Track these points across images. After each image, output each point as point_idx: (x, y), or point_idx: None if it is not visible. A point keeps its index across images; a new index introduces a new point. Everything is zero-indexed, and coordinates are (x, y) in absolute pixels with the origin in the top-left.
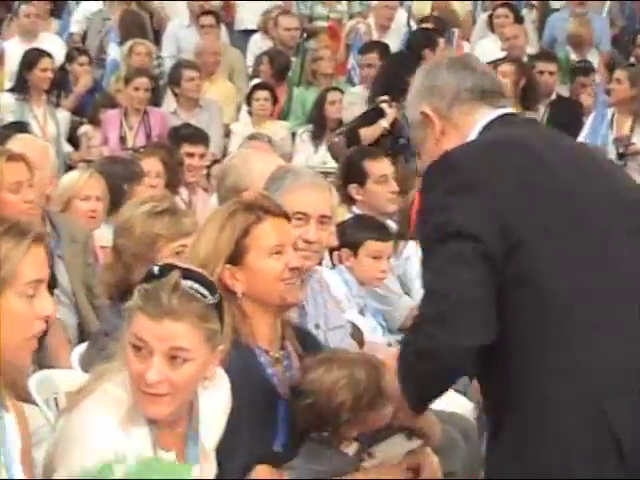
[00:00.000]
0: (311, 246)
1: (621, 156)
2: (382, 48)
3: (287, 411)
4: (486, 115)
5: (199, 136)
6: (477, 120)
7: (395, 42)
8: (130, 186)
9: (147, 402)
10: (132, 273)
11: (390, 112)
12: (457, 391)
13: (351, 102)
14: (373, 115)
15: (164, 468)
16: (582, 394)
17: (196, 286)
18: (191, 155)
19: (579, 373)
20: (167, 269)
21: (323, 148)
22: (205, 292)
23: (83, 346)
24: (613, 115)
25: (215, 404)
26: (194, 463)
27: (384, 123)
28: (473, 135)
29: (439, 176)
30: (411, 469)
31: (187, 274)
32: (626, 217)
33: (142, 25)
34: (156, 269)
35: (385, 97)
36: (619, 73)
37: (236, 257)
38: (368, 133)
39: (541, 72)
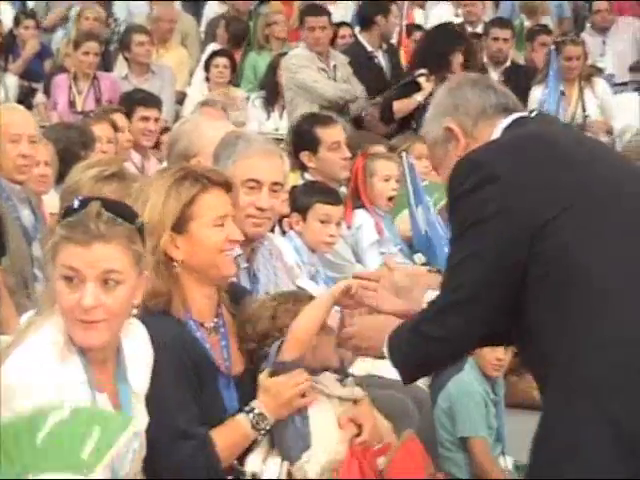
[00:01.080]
0: (263, 213)
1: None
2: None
3: (227, 383)
4: (500, 126)
5: (153, 100)
6: (497, 129)
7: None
8: (85, 152)
9: (83, 331)
10: None
11: (427, 86)
12: None
13: (300, 65)
14: (409, 88)
15: (102, 419)
16: (618, 349)
17: (117, 215)
18: (146, 119)
19: (617, 333)
20: (86, 201)
21: (275, 114)
22: (127, 218)
23: (30, 313)
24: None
25: (137, 351)
26: (127, 404)
27: (419, 97)
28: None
29: (465, 172)
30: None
31: (107, 204)
32: (624, 166)
33: None
34: (75, 203)
35: (423, 70)
36: (578, 50)
37: (179, 225)
38: (402, 106)
39: (495, 39)
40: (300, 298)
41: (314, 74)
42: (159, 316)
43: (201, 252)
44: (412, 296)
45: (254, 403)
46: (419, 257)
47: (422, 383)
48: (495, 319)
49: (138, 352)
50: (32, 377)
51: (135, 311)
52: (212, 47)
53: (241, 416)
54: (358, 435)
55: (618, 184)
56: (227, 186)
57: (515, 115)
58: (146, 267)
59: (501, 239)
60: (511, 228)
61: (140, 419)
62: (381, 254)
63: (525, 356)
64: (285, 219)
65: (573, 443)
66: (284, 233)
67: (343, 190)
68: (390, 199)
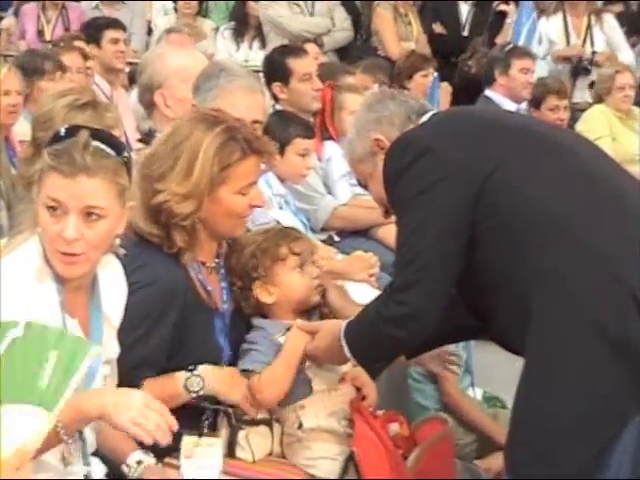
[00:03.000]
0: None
1: (585, 70)
2: None
3: (224, 323)
4: (423, 119)
5: (118, 23)
6: None
7: None
8: (51, 78)
9: (63, 262)
10: None
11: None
12: (380, 290)
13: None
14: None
15: (59, 341)
16: (593, 266)
17: (104, 145)
18: (116, 41)
19: (589, 254)
20: (74, 130)
21: (245, 45)
22: (114, 150)
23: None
24: (565, 18)
25: (113, 283)
26: (98, 331)
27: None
28: None
29: (398, 154)
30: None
31: (95, 134)
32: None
33: None
34: (62, 130)
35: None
36: None
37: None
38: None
39: None
40: (279, 231)
41: (281, 9)
42: (157, 250)
43: (222, 215)
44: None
45: (200, 367)
46: None
47: None
48: (453, 283)
49: (113, 284)
50: (5, 294)
51: (117, 241)
52: None
53: (180, 373)
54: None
55: (546, 136)
56: (264, 154)
57: (430, 112)
58: (131, 198)
59: (445, 205)
60: (453, 192)
61: (111, 347)
62: (351, 186)
63: (489, 312)
64: None
65: (564, 347)
66: None
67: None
68: None
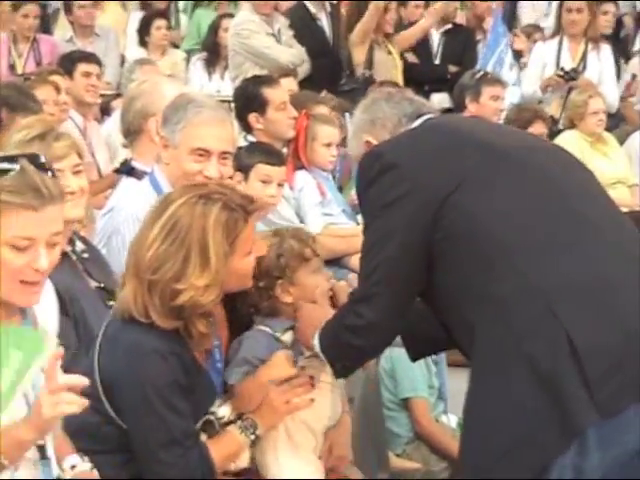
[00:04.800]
0: (211, 181)
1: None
2: None
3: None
4: (415, 124)
5: (93, 57)
6: None
7: None
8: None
9: (25, 292)
10: None
11: None
12: None
13: (252, 30)
14: None
15: (18, 338)
16: (532, 298)
17: (44, 166)
18: (88, 74)
19: (529, 286)
20: (11, 160)
21: (217, 76)
22: (52, 170)
23: None
24: (561, 43)
25: (45, 300)
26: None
27: None
28: None
29: (367, 166)
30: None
31: (30, 159)
32: (527, 138)
33: None
34: (3, 164)
35: None
36: (578, 2)
37: None
38: None
39: None
40: (300, 234)
41: (266, 39)
42: (148, 327)
43: (236, 280)
44: None
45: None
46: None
47: None
48: (413, 298)
49: (45, 299)
50: None
51: None
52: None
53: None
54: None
55: (517, 156)
56: (257, 212)
57: (425, 117)
58: None
59: (406, 220)
60: (413, 209)
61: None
62: (324, 215)
63: (449, 329)
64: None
65: (503, 390)
66: None
67: (285, 151)
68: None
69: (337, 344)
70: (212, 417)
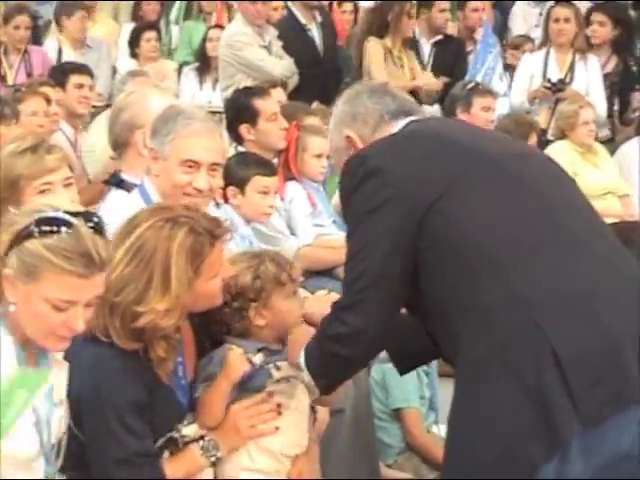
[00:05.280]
0: (201, 193)
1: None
2: None
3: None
4: (399, 124)
5: (85, 68)
6: (392, 132)
7: None
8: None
9: (56, 342)
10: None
11: None
12: None
13: (245, 42)
14: None
15: (22, 378)
16: (516, 309)
17: (98, 227)
18: (80, 86)
19: (513, 297)
20: (67, 221)
21: (208, 86)
22: (101, 231)
23: None
24: (548, 54)
25: None
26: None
27: None
28: None
29: (350, 169)
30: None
31: (86, 218)
32: (514, 146)
33: None
34: (54, 224)
35: None
36: (565, 12)
37: None
38: None
39: (442, 10)
40: (278, 259)
41: (259, 52)
42: (109, 345)
43: (202, 302)
44: None
45: (187, 429)
46: None
47: None
48: (398, 305)
49: None
50: None
51: None
52: (130, 25)
53: (192, 446)
54: None
55: (499, 161)
56: (226, 234)
57: (410, 117)
58: None
59: (391, 227)
60: (398, 216)
61: (63, 388)
62: (315, 226)
63: (437, 338)
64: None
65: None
66: (217, 205)
67: (275, 161)
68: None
69: (322, 356)
70: (176, 434)
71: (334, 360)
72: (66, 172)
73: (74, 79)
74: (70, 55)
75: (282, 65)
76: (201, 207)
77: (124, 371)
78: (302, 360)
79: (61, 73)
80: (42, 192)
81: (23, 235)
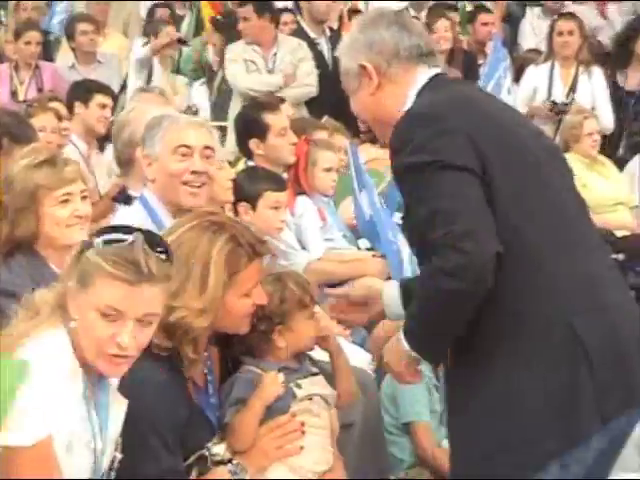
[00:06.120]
0: (199, 177)
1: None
2: (259, 1)
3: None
4: (423, 74)
5: (109, 90)
6: (416, 78)
7: None
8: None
9: (111, 363)
10: (17, 228)
11: None
12: (354, 343)
13: (231, 59)
14: None
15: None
16: (550, 310)
17: (160, 247)
18: (103, 106)
19: (545, 292)
20: (124, 230)
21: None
22: (168, 254)
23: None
24: (552, 67)
25: None
26: (106, 409)
27: None
28: (414, 90)
29: (422, 124)
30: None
31: (148, 238)
32: (543, 141)
33: None
34: (114, 235)
35: None
36: (569, 25)
37: None
38: None
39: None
40: (300, 280)
41: (236, 67)
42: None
43: (229, 319)
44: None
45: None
46: (364, 242)
47: (368, 367)
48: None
49: None
50: (36, 399)
51: None
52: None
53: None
54: None
55: (535, 153)
56: (267, 253)
57: (434, 70)
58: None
59: (475, 181)
60: (478, 174)
61: (119, 427)
62: (325, 240)
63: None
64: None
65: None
66: None
67: (285, 175)
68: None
69: (433, 311)
70: (206, 453)
71: (445, 301)
72: (82, 185)
73: (98, 98)
74: (81, 70)
75: (252, 80)
76: (201, 199)
77: (165, 387)
78: (402, 337)
79: (85, 90)
80: (63, 202)
81: (84, 246)
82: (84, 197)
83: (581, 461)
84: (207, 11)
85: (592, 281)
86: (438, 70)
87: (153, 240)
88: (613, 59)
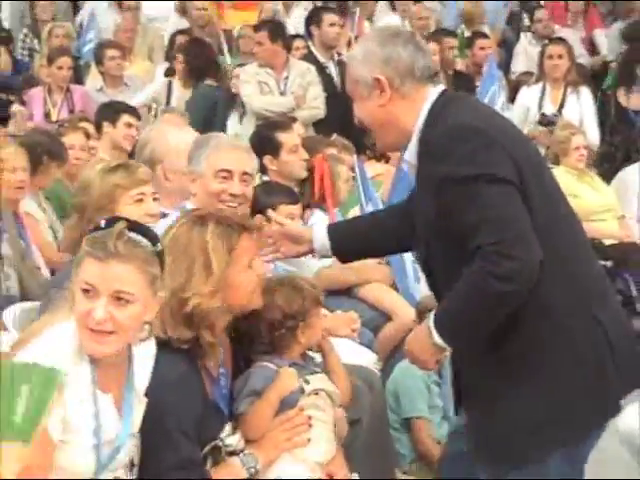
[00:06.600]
0: (235, 199)
1: (547, 124)
2: (273, 27)
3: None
4: (433, 91)
5: (136, 111)
6: (427, 96)
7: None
8: (51, 160)
9: (93, 341)
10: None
11: None
12: (361, 344)
13: (244, 80)
14: None
15: (28, 375)
16: (576, 300)
17: (139, 236)
18: (130, 125)
19: (570, 281)
20: (113, 221)
21: (235, 119)
22: (147, 241)
23: (17, 307)
24: (544, 88)
25: (145, 359)
26: (129, 409)
27: None
28: (427, 106)
29: (463, 137)
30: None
31: (132, 226)
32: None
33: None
34: (102, 222)
35: None
36: (559, 49)
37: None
38: None
39: (451, 47)
40: (311, 281)
41: (249, 88)
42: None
43: (239, 295)
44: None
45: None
46: None
47: (374, 366)
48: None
49: (146, 360)
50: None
51: (147, 327)
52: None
53: (233, 458)
54: None
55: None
56: (252, 229)
57: (440, 87)
58: (162, 288)
59: (515, 191)
60: (517, 184)
61: (138, 420)
62: None
63: None
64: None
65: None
66: None
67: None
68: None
69: (476, 303)
70: (220, 443)
71: (492, 302)
72: (151, 187)
73: (125, 118)
74: (109, 93)
75: (267, 102)
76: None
77: (185, 378)
78: (433, 329)
79: (114, 111)
80: (137, 202)
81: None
82: (155, 198)
83: None
84: (213, 10)
85: (602, 279)
86: (443, 87)
87: (136, 229)
88: (617, 81)
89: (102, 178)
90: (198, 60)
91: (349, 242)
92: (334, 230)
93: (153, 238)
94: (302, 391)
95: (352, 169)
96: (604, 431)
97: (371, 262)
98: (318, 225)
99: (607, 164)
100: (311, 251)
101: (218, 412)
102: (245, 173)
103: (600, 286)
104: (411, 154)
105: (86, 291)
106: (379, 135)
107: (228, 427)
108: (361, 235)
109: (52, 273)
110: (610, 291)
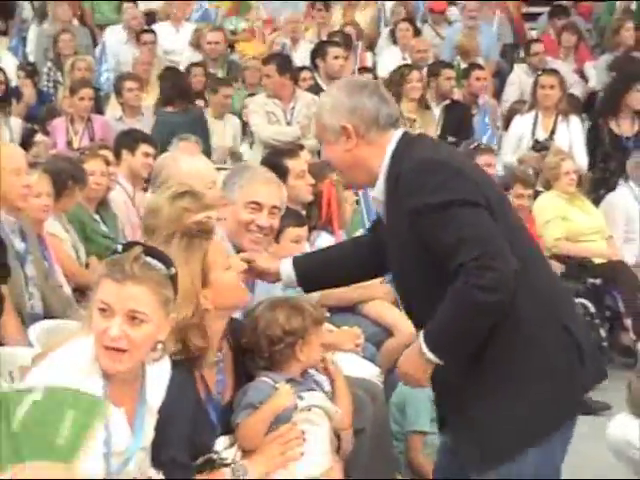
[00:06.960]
0: (262, 231)
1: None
2: (281, 60)
3: (216, 411)
4: (395, 135)
5: (153, 140)
6: (391, 139)
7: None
8: (75, 185)
9: (107, 358)
10: (166, 249)
11: None
12: (365, 358)
13: (252, 110)
14: None
15: (74, 400)
16: (547, 312)
17: (155, 260)
18: (147, 154)
19: (540, 294)
20: (129, 246)
21: (246, 145)
22: (162, 265)
23: (41, 324)
24: (536, 116)
25: (159, 376)
26: (141, 424)
27: None
28: (391, 148)
29: (431, 169)
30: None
31: (148, 250)
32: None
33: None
34: (119, 247)
35: None
36: (551, 79)
37: (204, 281)
38: None
39: (448, 78)
40: (311, 301)
41: (257, 118)
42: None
43: (226, 296)
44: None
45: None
46: None
47: (376, 379)
48: None
49: (160, 378)
50: (54, 381)
51: (160, 346)
52: None
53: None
54: None
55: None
56: (211, 231)
57: (401, 129)
58: (174, 310)
59: (485, 212)
60: (484, 205)
61: (150, 435)
62: None
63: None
64: None
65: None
66: None
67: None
68: None
69: (462, 317)
70: (215, 456)
71: (479, 313)
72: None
73: (143, 148)
74: (127, 122)
75: (275, 131)
76: (264, 245)
77: (181, 386)
78: (424, 346)
79: (132, 140)
80: None
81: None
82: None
83: None
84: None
85: (566, 291)
86: (404, 130)
87: (152, 253)
88: (604, 109)
89: (171, 202)
90: (168, 88)
91: (313, 273)
92: (300, 262)
93: (167, 262)
94: (295, 407)
95: (356, 193)
96: (575, 424)
97: (374, 281)
98: (285, 259)
99: (603, 190)
100: (277, 281)
101: (208, 421)
102: (274, 207)
103: (566, 297)
104: (378, 191)
105: (103, 310)
106: (346, 175)
107: (225, 440)
108: (326, 266)
109: (74, 290)
110: (573, 299)
